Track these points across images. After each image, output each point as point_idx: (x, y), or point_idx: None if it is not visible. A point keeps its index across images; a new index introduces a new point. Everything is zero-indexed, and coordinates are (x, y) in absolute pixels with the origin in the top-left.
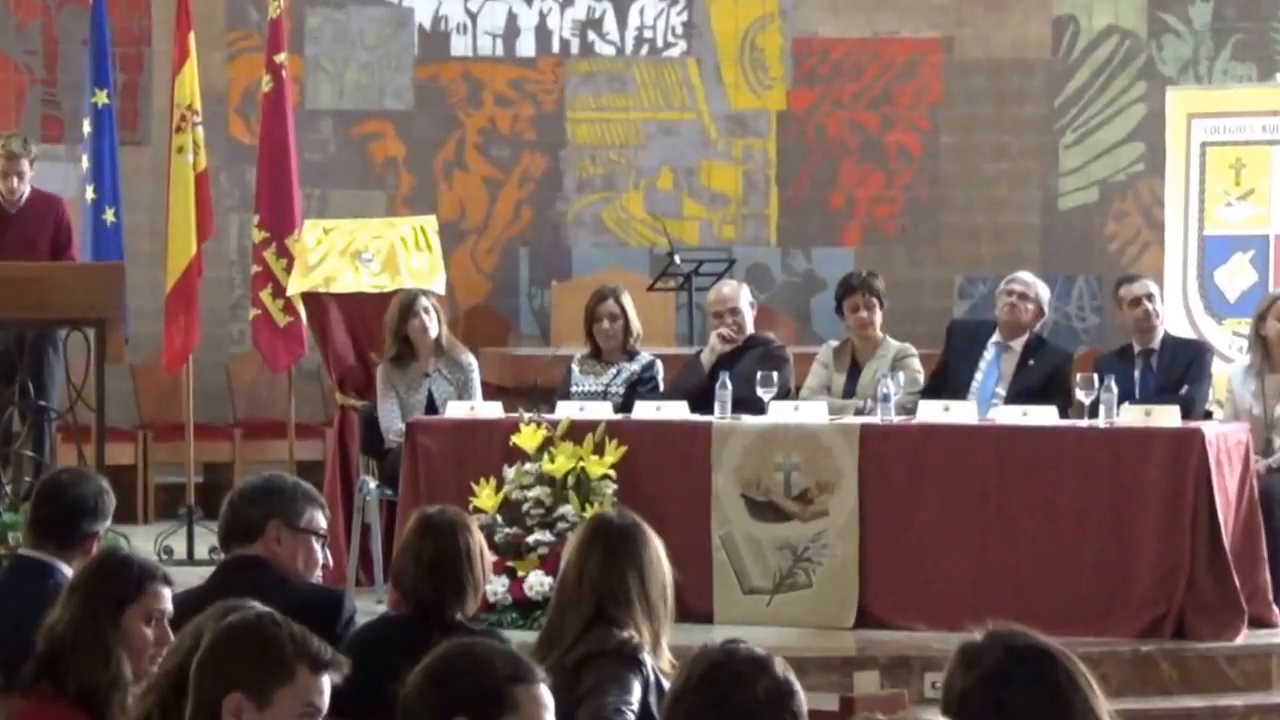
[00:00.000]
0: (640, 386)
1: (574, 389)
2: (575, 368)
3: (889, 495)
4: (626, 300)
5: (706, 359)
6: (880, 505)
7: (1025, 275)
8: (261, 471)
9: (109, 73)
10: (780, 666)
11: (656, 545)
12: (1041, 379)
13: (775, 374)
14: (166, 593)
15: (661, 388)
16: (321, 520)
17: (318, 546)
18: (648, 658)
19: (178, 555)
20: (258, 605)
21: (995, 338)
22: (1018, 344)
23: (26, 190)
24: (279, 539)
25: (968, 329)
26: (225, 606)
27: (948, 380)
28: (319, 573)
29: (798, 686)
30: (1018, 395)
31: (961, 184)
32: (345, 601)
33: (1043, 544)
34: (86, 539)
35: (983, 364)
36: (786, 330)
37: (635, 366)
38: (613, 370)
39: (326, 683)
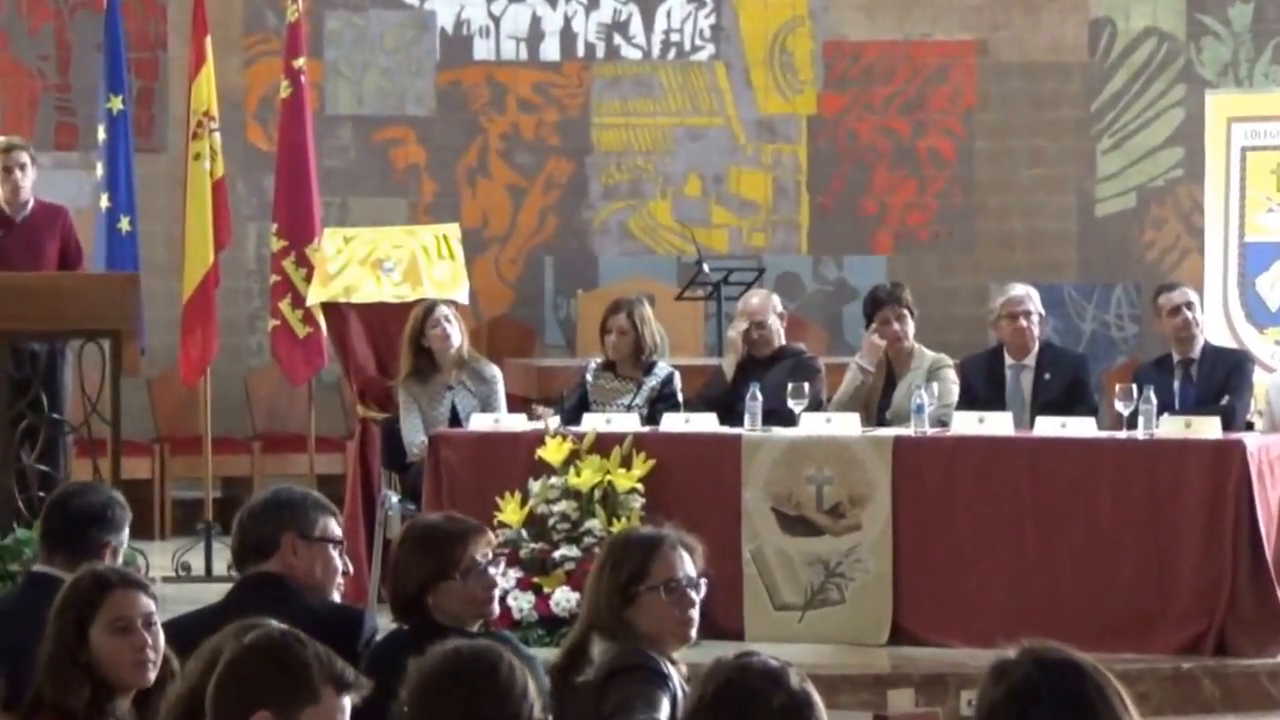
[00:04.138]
0: (660, 403)
1: (594, 409)
2: (590, 380)
3: (923, 508)
4: (642, 313)
5: (728, 366)
6: (914, 519)
7: (1019, 289)
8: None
9: (124, 78)
10: (796, 678)
11: (660, 562)
12: (1061, 389)
13: (806, 385)
14: (133, 597)
15: (680, 399)
16: (335, 527)
17: (335, 554)
18: (674, 672)
19: (196, 571)
20: (274, 623)
21: (1009, 361)
22: (1030, 359)
23: (31, 200)
24: (295, 551)
25: (979, 362)
26: (242, 625)
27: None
28: (340, 580)
29: (815, 697)
30: (1042, 410)
31: (996, 190)
32: (366, 620)
33: (1080, 558)
34: (98, 549)
35: (1006, 390)
36: (817, 340)
37: (654, 381)
38: (631, 387)
39: (348, 704)
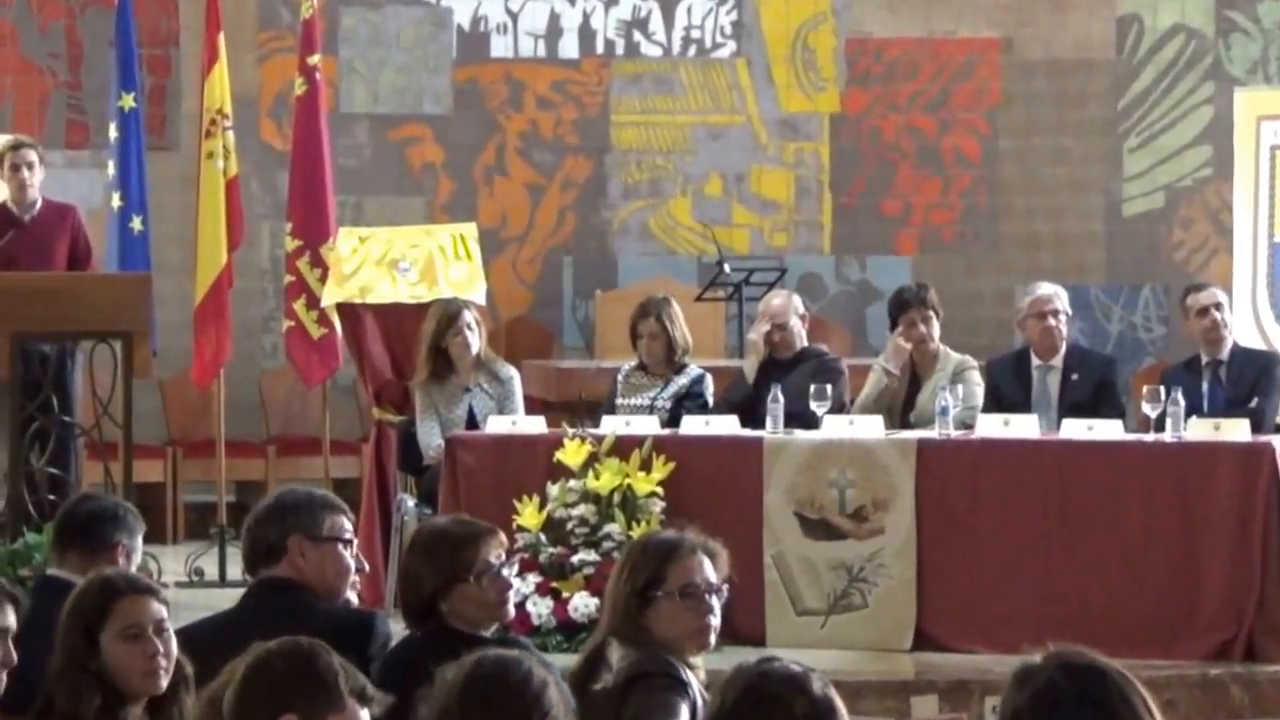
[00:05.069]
0: (688, 401)
1: (619, 402)
2: (620, 380)
3: (947, 513)
4: (671, 314)
5: (750, 368)
6: (938, 523)
7: (1046, 288)
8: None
9: (136, 75)
10: (818, 683)
11: (677, 567)
12: (1089, 392)
13: (829, 387)
14: (143, 603)
15: (710, 403)
16: (344, 524)
17: (345, 553)
18: (693, 678)
19: (209, 577)
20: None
21: (1035, 362)
22: (1057, 360)
23: (39, 200)
24: (303, 554)
25: (1004, 363)
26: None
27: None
28: (355, 579)
29: (838, 703)
30: (1069, 412)
31: (1021, 190)
32: (378, 624)
33: (1107, 563)
34: (109, 549)
35: (1033, 392)
36: (840, 342)
37: (684, 380)
38: (659, 385)
39: (368, 717)
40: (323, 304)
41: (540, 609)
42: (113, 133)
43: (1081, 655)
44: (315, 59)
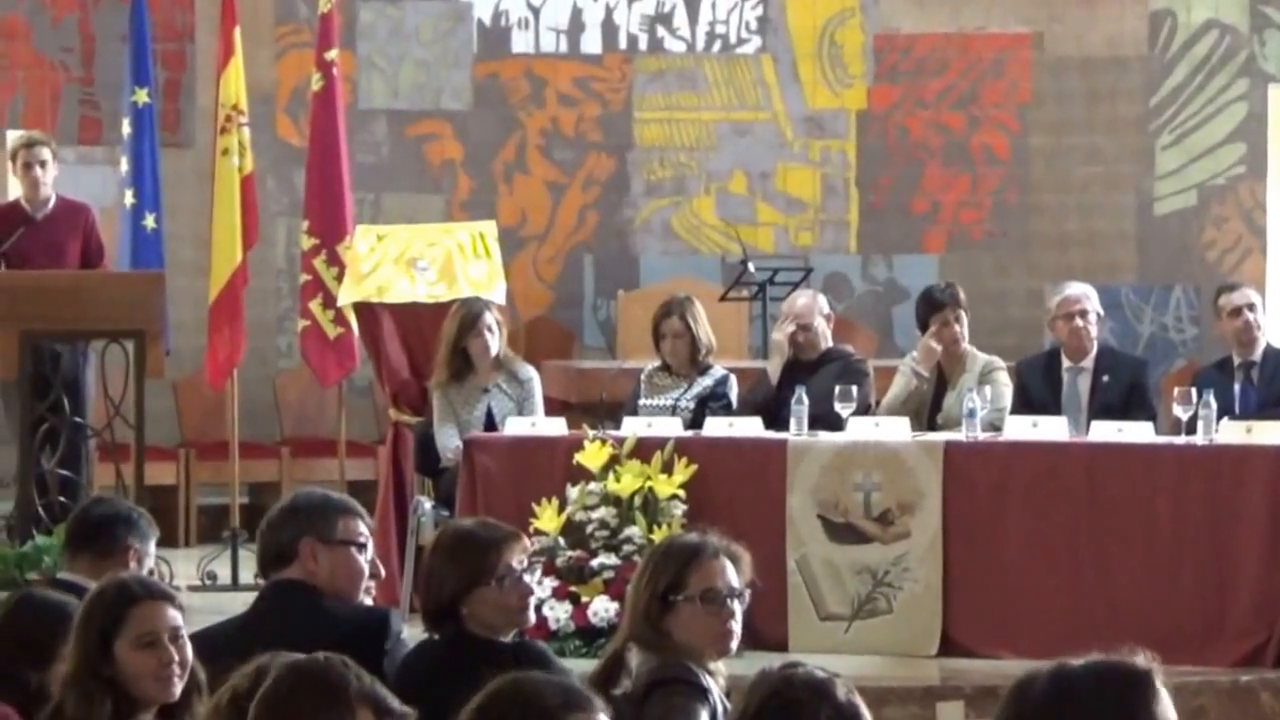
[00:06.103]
0: (712, 402)
1: (641, 402)
2: (643, 380)
3: (974, 516)
4: (695, 314)
5: (774, 369)
6: (965, 527)
7: (1076, 288)
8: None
9: (150, 70)
10: (843, 689)
11: (698, 571)
12: (1120, 394)
13: (854, 388)
14: (160, 609)
15: (735, 404)
16: (359, 528)
17: (359, 557)
18: (714, 684)
19: (222, 580)
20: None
21: (1066, 363)
22: (1088, 362)
23: (52, 197)
24: (314, 557)
25: (1034, 364)
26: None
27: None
28: (370, 584)
29: (863, 710)
30: (1100, 414)
31: (1052, 188)
32: (391, 618)
33: (1136, 568)
34: (121, 552)
35: (1063, 394)
36: (866, 342)
37: (708, 381)
38: (682, 385)
39: None
40: (339, 303)
41: (558, 613)
42: (126, 129)
43: (1080, 664)
44: (333, 54)
